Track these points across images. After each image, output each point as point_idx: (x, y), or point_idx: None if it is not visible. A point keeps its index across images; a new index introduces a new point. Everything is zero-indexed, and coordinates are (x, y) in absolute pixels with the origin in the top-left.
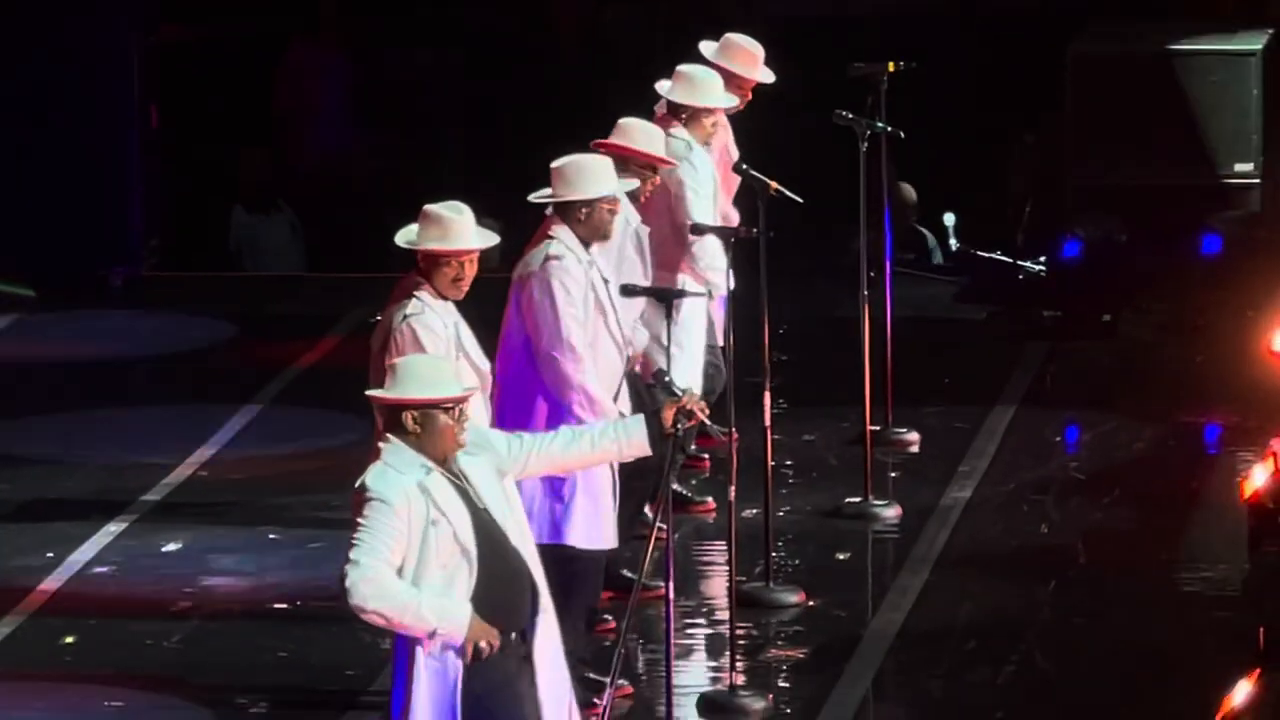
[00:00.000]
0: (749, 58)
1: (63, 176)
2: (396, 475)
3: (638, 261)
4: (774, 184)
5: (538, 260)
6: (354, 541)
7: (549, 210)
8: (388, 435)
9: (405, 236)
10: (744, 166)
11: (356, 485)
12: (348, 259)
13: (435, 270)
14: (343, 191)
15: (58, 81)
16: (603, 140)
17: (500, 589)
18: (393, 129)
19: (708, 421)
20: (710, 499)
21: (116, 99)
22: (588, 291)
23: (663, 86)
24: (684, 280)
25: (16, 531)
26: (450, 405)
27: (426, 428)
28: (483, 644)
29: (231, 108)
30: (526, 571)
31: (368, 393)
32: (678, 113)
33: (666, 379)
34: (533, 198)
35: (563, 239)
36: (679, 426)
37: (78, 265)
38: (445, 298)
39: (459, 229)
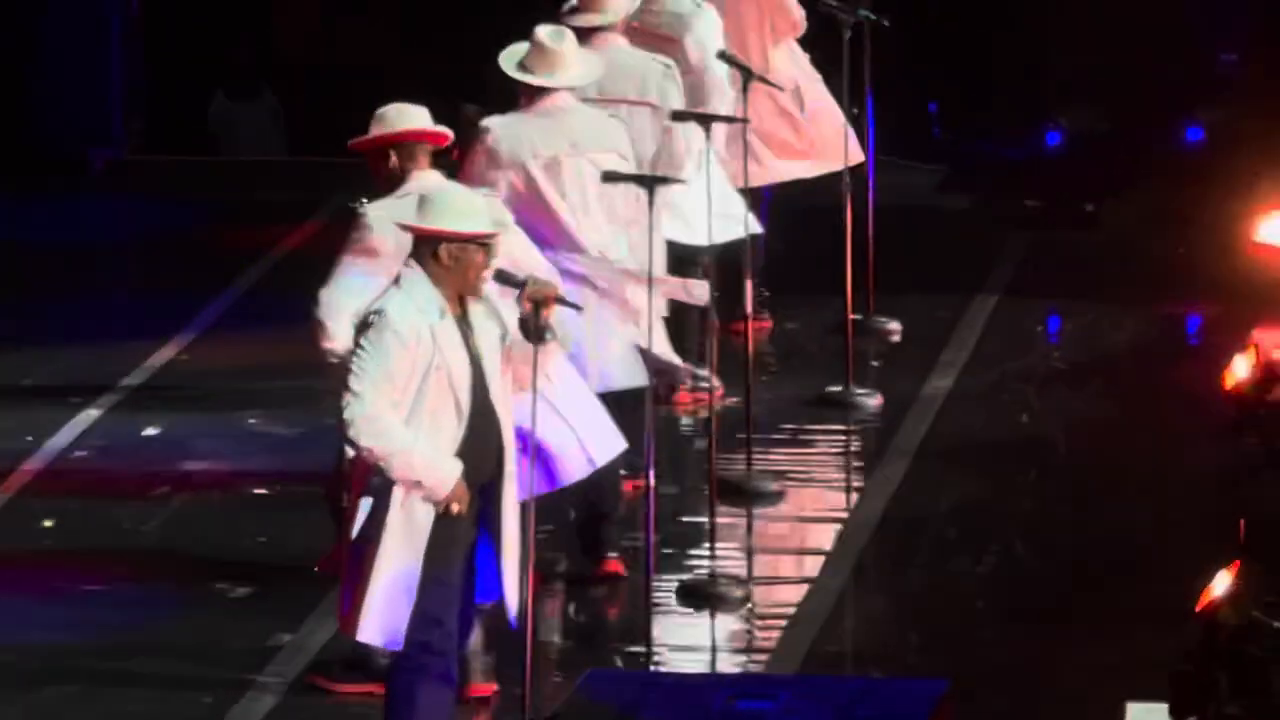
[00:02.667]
0: None
1: (44, 58)
2: (415, 310)
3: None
4: (757, 71)
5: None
6: (356, 369)
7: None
8: (412, 262)
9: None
10: (727, 53)
11: (372, 309)
12: (330, 144)
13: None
14: (327, 77)
15: None
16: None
17: (475, 445)
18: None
19: (565, 297)
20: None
21: None
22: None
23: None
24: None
25: None
26: (485, 240)
27: (461, 261)
28: (455, 506)
29: None
30: (499, 433)
31: (398, 220)
32: None
33: (508, 274)
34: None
35: None
36: (539, 316)
37: (58, 148)
38: None
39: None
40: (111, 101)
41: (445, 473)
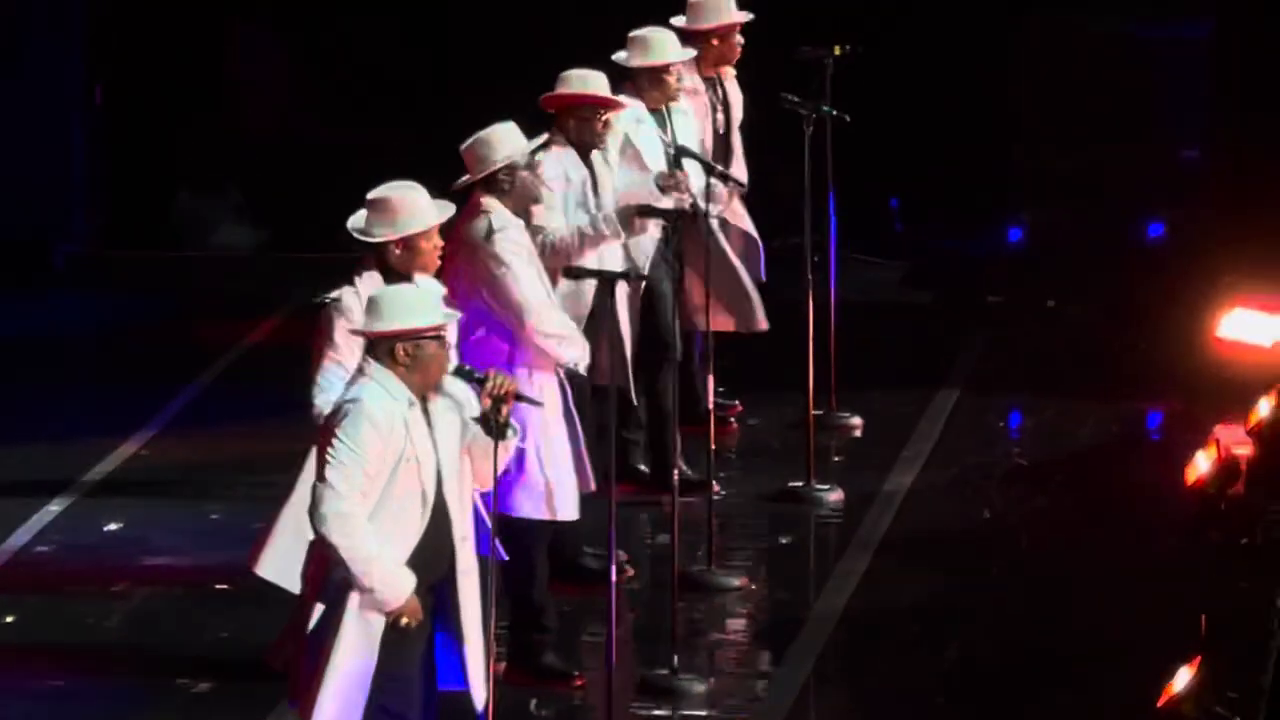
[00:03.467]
0: (715, 6)
1: (6, 154)
2: (389, 399)
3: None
4: (718, 165)
5: (481, 233)
6: (332, 460)
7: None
8: (373, 361)
9: (354, 224)
10: (685, 147)
11: (347, 397)
12: (295, 239)
13: (386, 252)
14: (291, 170)
15: (1, 58)
16: (549, 94)
17: (430, 539)
18: (340, 104)
19: (524, 394)
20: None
21: (61, 76)
22: (531, 253)
23: (619, 57)
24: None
25: None
26: (438, 333)
27: (418, 357)
28: (404, 620)
29: (178, 84)
30: (451, 528)
31: (351, 329)
32: (633, 79)
33: (466, 368)
34: (455, 187)
35: (498, 211)
36: (500, 412)
37: (22, 243)
38: (403, 278)
39: (407, 212)
40: (74, 195)
41: (399, 587)
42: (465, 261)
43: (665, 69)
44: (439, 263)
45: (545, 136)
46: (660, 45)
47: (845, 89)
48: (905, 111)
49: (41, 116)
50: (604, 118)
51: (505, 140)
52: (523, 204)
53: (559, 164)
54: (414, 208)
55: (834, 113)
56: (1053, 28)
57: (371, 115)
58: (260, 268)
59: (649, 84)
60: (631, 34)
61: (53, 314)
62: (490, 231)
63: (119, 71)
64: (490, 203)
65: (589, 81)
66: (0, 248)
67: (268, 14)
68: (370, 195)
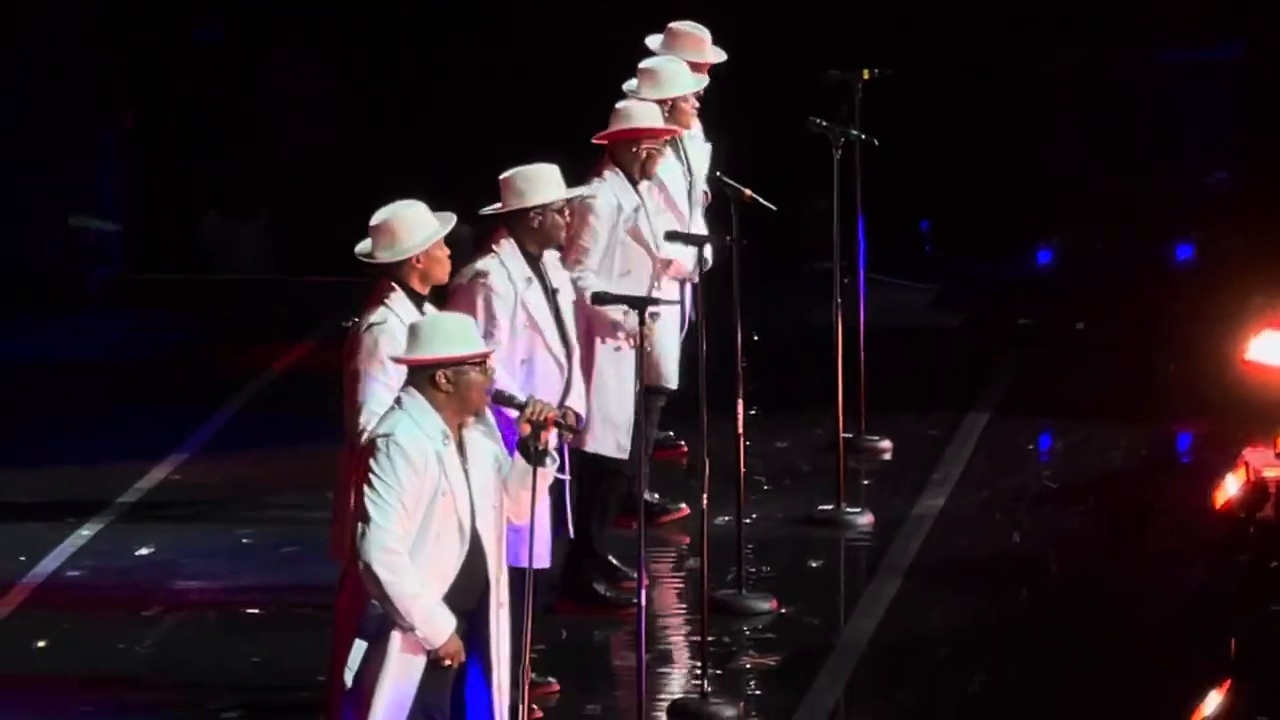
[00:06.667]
0: (696, 42)
1: (39, 179)
2: (421, 434)
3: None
4: (748, 191)
5: (468, 274)
6: (372, 498)
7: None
8: (411, 390)
9: (362, 250)
10: (718, 174)
11: (380, 432)
12: (326, 262)
13: (402, 271)
14: (321, 194)
15: (34, 86)
16: (606, 131)
17: (467, 573)
18: (372, 128)
19: (563, 422)
20: (684, 505)
21: (93, 101)
22: (516, 309)
23: (630, 85)
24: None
25: None
26: (480, 360)
27: (459, 384)
28: (446, 661)
29: (209, 107)
30: (485, 560)
31: (393, 356)
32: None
33: (507, 395)
34: (483, 211)
35: (502, 254)
36: (539, 438)
37: (55, 267)
38: (420, 295)
39: (408, 229)
40: (107, 220)
41: (440, 627)
42: (451, 296)
43: (683, 99)
44: (442, 274)
45: (592, 184)
46: (673, 77)
47: (874, 112)
48: (935, 135)
49: (73, 141)
50: (655, 148)
51: (546, 182)
52: (545, 246)
53: (612, 194)
54: (421, 222)
55: (863, 136)
56: (1082, 51)
57: (403, 140)
58: (291, 291)
59: (664, 115)
60: (641, 65)
61: (85, 338)
62: (475, 274)
63: (150, 95)
64: (504, 245)
65: (644, 114)
66: (32, 272)
67: (299, 39)
68: (373, 221)
